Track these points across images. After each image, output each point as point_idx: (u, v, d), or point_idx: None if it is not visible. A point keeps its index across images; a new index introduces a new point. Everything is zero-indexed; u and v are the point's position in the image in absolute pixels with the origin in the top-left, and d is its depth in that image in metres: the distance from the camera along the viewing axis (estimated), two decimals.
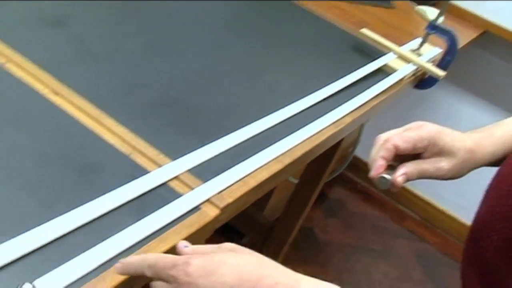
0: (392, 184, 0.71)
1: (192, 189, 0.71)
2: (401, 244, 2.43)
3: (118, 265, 0.55)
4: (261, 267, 0.50)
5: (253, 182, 0.77)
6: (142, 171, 0.72)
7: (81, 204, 0.62)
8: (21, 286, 0.48)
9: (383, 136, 0.74)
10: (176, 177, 0.73)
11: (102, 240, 0.59)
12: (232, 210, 0.74)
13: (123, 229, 0.61)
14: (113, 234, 0.60)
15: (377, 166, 0.71)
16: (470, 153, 0.74)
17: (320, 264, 2.19)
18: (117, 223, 0.62)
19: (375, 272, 2.22)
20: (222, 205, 0.70)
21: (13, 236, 0.56)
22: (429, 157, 0.73)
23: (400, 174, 0.71)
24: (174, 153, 0.76)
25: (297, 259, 2.15)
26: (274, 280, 0.48)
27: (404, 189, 2.59)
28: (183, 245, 0.57)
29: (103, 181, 0.68)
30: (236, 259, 0.50)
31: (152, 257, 0.52)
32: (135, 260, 0.54)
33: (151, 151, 0.76)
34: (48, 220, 0.59)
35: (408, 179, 0.73)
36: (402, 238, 2.47)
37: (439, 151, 0.73)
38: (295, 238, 1.94)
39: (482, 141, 0.76)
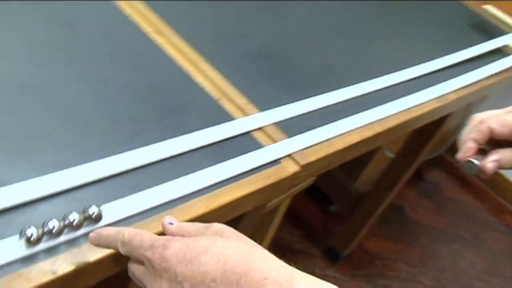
0: (481, 170, 0.65)
1: (275, 142, 0.70)
2: (494, 237, 2.29)
3: (92, 234, 0.49)
4: (250, 258, 0.42)
5: (339, 145, 0.75)
6: (228, 118, 0.72)
7: (162, 140, 0.64)
8: (88, 208, 0.50)
9: (479, 116, 0.67)
10: (260, 128, 0.72)
11: (176, 178, 0.60)
12: (313, 170, 0.73)
13: (199, 170, 0.62)
14: (188, 173, 0.61)
15: (466, 148, 0.65)
16: None
17: (406, 243, 2.13)
18: (194, 164, 0.63)
19: (461, 260, 2.12)
20: (303, 162, 0.69)
21: (92, 160, 0.58)
22: None
23: (491, 160, 0.62)
24: (263, 105, 0.76)
25: (382, 234, 2.11)
26: (263, 275, 0.40)
27: (506, 180, 2.43)
28: (168, 221, 0.49)
29: (188, 121, 0.69)
30: (222, 246, 0.43)
31: (128, 233, 0.46)
32: (110, 232, 0.48)
33: (241, 100, 0.76)
34: (127, 150, 0.61)
35: (500, 167, 0.66)
36: (498, 231, 2.33)
37: None
38: (384, 213, 1.90)
39: None
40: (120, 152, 0.60)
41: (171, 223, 0.49)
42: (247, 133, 0.71)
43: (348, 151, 0.76)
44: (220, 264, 0.41)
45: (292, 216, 1.93)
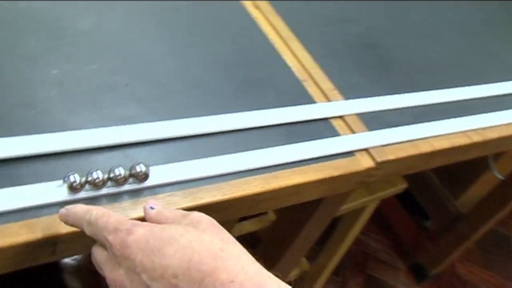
0: None
1: (354, 133, 0.65)
2: None
3: (62, 210, 0.44)
4: (219, 255, 0.36)
5: (425, 148, 0.68)
6: (309, 101, 0.68)
7: (234, 112, 0.61)
8: (136, 165, 0.49)
9: None
10: (341, 117, 0.67)
11: (237, 152, 0.57)
12: (391, 170, 0.67)
13: (263, 147, 0.58)
14: (254, 149, 0.58)
15: None
16: None
17: (507, 277, 1.95)
18: (262, 140, 0.60)
19: None
20: (380, 159, 0.63)
21: (156, 120, 0.57)
22: None
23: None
24: (349, 93, 0.71)
25: (480, 262, 1.95)
26: (229, 277, 0.35)
27: None
28: (150, 205, 0.44)
29: (266, 98, 0.66)
30: (192, 238, 0.37)
31: (96, 213, 0.41)
32: (79, 210, 0.43)
33: (327, 84, 0.71)
34: (197, 116, 0.59)
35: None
36: None
37: None
38: (485, 239, 1.76)
39: None
40: (188, 117, 0.58)
41: (152, 208, 0.43)
42: (326, 119, 0.66)
43: (435, 156, 0.69)
44: (185, 258, 0.36)
45: (382, 223, 1.84)
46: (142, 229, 0.39)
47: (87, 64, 0.60)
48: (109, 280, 0.39)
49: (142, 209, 0.48)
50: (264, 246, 1.04)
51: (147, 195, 0.50)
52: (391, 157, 0.64)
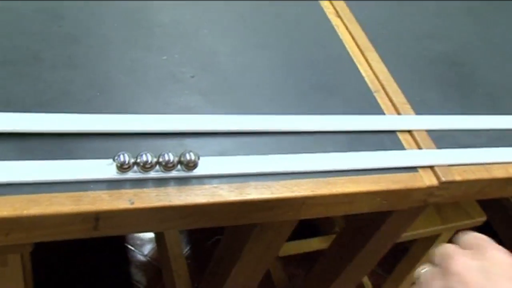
0: None
1: (420, 148, 0.62)
2: None
3: None
4: None
5: (499, 173, 0.63)
6: (378, 112, 0.65)
7: (301, 114, 0.60)
8: (186, 153, 0.49)
9: None
10: (409, 131, 0.64)
11: (290, 153, 0.56)
12: (457, 192, 0.63)
13: (320, 152, 0.57)
14: (310, 152, 0.56)
15: None
16: None
17: None
18: (323, 145, 0.58)
19: None
20: (444, 178, 0.60)
21: (216, 113, 0.57)
22: None
23: None
24: (422, 110, 0.68)
25: None
26: None
27: None
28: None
29: (332, 104, 0.64)
30: None
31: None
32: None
33: (399, 98, 0.68)
34: (259, 114, 0.59)
35: None
36: None
37: None
38: None
39: None
40: (248, 114, 0.58)
41: None
42: (393, 132, 0.64)
43: (510, 184, 0.64)
44: None
45: None
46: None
47: (158, 54, 0.61)
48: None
49: (186, 197, 0.48)
50: (322, 264, 1.01)
51: (194, 184, 0.50)
52: (458, 178, 0.60)
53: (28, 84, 0.53)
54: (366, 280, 1.41)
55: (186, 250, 1.44)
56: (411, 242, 1.29)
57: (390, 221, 0.77)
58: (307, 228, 1.63)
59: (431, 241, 1.20)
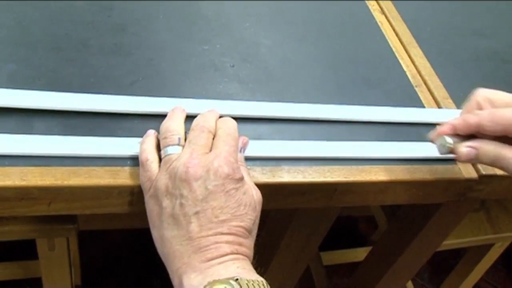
0: (453, 152, 0.49)
1: None
2: None
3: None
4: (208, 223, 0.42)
5: None
6: (418, 105, 0.65)
7: (346, 104, 0.61)
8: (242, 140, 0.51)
9: (481, 96, 0.51)
10: None
11: (322, 140, 0.56)
12: (498, 188, 0.61)
13: (355, 140, 0.57)
14: (339, 140, 0.57)
15: (445, 126, 0.50)
16: None
17: None
18: (359, 134, 0.58)
19: None
20: (484, 172, 0.58)
21: (260, 100, 0.58)
22: None
23: (467, 145, 0.49)
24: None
25: None
26: (183, 258, 0.41)
27: None
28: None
29: (374, 97, 0.64)
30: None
31: None
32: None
33: (441, 93, 0.67)
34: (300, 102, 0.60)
35: (477, 158, 0.49)
36: None
37: None
38: None
39: None
40: (285, 102, 0.59)
41: None
42: (433, 124, 0.63)
43: None
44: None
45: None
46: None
47: (200, 44, 0.63)
48: None
49: None
50: (361, 272, 1.00)
51: None
52: (499, 172, 0.59)
53: (76, 68, 0.55)
54: None
55: None
56: (461, 254, 1.25)
57: (431, 225, 0.75)
58: (353, 238, 1.61)
59: (482, 252, 1.16)
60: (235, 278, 0.38)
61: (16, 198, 0.45)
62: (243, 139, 0.51)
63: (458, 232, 1.03)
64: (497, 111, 0.48)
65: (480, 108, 0.50)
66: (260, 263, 0.84)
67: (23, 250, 1.05)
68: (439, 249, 0.94)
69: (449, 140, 0.50)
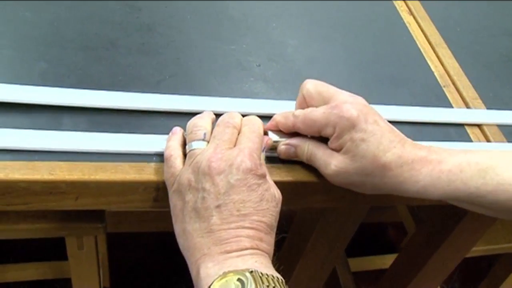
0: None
1: (489, 142, 0.60)
2: None
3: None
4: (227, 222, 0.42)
5: None
6: (446, 105, 0.64)
7: (372, 103, 0.60)
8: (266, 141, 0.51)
9: (304, 91, 0.51)
10: (479, 125, 0.62)
11: None
12: None
13: None
14: None
15: (268, 125, 0.52)
16: (381, 170, 0.46)
17: None
18: None
19: None
20: None
21: (286, 99, 0.59)
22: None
23: (285, 143, 0.51)
24: (494, 104, 0.65)
25: None
26: (203, 249, 0.42)
27: None
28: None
29: (400, 96, 0.63)
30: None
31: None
32: None
33: (470, 93, 0.66)
34: None
35: (296, 156, 0.51)
36: None
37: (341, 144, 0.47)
38: None
39: (415, 165, 0.46)
40: None
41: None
42: (461, 125, 0.62)
43: None
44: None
45: None
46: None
47: (226, 44, 0.64)
48: None
49: None
50: (389, 278, 0.99)
51: None
52: None
53: (104, 67, 0.56)
54: None
55: None
56: (494, 260, 1.23)
57: (460, 229, 0.74)
58: (382, 245, 1.59)
59: None
60: (250, 270, 0.38)
61: (44, 192, 0.46)
62: (267, 139, 0.51)
63: (490, 238, 1.01)
64: (309, 114, 0.49)
65: (307, 101, 0.51)
66: (286, 264, 0.84)
67: (53, 251, 1.07)
68: (469, 255, 0.92)
69: (274, 136, 0.51)
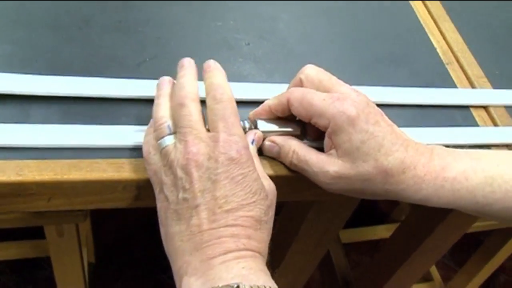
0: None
1: (496, 125, 0.56)
2: None
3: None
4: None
5: None
6: (449, 85, 0.59)
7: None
8: (244, 121, 0.46)
9: (302, 75, 0.46)
10: (485, 107, 0.58)
11: None
12: None
13: None
14: None
15: (258, 110, 0.48)
16: (384, 176, 0.42)
17: None
18: (391, 118, 0.53)
19: None
20: None
21: (277, 82, 0.54)
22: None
23: (270, 140, 0.47)
24: (501, 83, 0.61)
25: None
26: (184, 256, 0.38)
27: None
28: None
29: (400, 76, 0.59)
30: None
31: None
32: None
33: (475, 71, 0.62)
34: None
35: (279, 157, 0.47)
36: None
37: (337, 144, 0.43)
38: None
39: (418, 172, 0.42)
40: None
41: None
42: (466, 107, 0.58)
43: None
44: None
45: None
46: None
47: (212, 20, 0.59)
48: None
49: None
50: (386, 252, 0.96)
51: None
52: None
53: (76, 48, 0.51)
54: (435, 272, 1.34)
55: None
56: (486, 234, 1.21)
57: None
58: (373, 216, 1.57)
59: (507, 234, 1.12)
60: (236, 285, 0.34)
61: (12, 195, 0.42)
62: (255, 133, 0.46)
63: None
64: (308, 95, 0.44)
65: (304, 86, 0.46)
66: (279, 249, 0.81)
67: (35, 229, 1.03)
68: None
69: (263, 125, 0.47)
